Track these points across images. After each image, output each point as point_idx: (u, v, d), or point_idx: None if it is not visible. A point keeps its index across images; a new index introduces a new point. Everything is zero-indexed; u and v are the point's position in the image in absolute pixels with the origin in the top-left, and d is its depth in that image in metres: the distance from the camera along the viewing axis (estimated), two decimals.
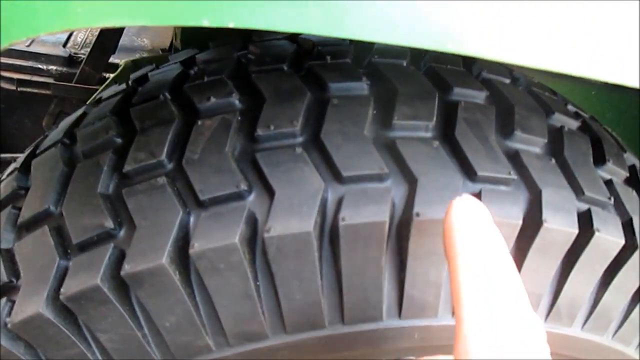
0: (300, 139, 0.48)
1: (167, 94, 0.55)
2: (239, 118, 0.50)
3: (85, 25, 0.33)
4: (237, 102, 0.51)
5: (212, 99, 0.51)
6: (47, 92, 1.14)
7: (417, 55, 0.58)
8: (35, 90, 1.14)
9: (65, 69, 1.18)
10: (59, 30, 0.33)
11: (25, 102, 1.16)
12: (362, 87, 0.52)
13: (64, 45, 1.24)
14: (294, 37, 0.62)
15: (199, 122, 0.50)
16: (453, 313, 0.49)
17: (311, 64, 0.55)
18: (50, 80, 1.15)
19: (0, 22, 0.33)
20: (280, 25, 0.34)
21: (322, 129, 0.48)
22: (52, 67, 1.18)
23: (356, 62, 0.56)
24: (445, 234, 0.36)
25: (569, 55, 0.37)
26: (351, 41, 0.60)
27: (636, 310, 0.56)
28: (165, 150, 0.49)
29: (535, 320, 0.34)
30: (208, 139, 0.49)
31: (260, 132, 0.48)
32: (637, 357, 0.60)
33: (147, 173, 0.49)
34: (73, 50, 1.22)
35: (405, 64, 0.57)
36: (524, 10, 0.36)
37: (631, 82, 0.40)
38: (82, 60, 1.13)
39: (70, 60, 1.19)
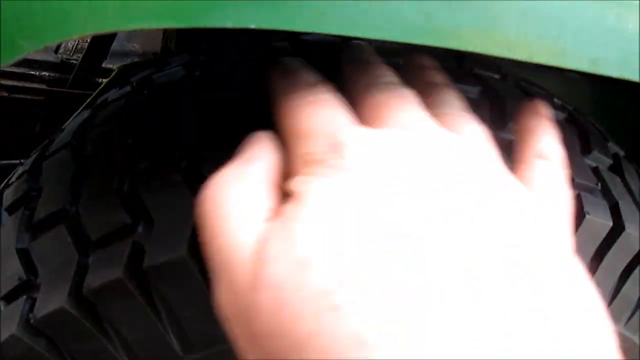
0: None
1: (174, 95, 0.57)
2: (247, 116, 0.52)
3: (115, 28, 0.35)
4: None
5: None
6: (40, 98, 1.14)
7: (412, 52, 0.61)
8: (28, 97, 1.15)
9: (57, 74, 1.18)
10: (91, 33, 0.35)
11: (18, 109, 1.16)
12: None
13: (56, 51, 1.25)
14: (293, 39, 0.64)
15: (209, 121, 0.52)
16: None
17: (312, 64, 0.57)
18: (43, 87, 1.16)
19: (31, 25, 0.35)
20: (299, 26, 0.37)
21: None
22: (45, 73, 1.18)
23: None
24: None
25: (572, 51, 0.40)
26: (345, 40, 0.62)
27: (624, 288, 0.59)
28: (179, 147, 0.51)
29: None
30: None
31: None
32: (626, 334, 0.63)
33: (162, 170, 0.51)
34: (65, 56, 1.23)
35: (401, 62, 0.59)
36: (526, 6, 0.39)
37: (631, 75, 0.44)
38: (74, 66, 1.15)
39: (63, 66, 1.20)
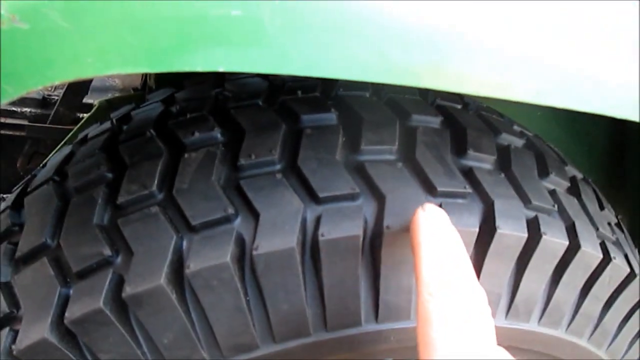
0: (279, 166, 0.54)
1: (152, 131, 0.59)
2: (222, 149, 0.55)
3: (94, 74, 0.38)
4: (219, 135, 0.57)
5: (196, 134, 0.56)
6: (22, 133, 1.16)
7: (378, 87, 0.65)
8: (10, 132, 1.17)
9: (39, 110, 1.20)
10: (71, 79, 0.38)
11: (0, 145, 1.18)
12: (331, 117, 0.58)
13: None
14: (265, 75, 0.68)
15: (186, 155, 0.55)
16: None
17: (284, 99, 0.61)
18: (25, 122, 1.18)
19: (15, 72, 0.38)
20: (263, 68, 0.40)
21: (298, 156, 0.53)
22: (26, 109, 1.20)
23: (324, 95, 0.62)
24: (413, 236, 0.45)
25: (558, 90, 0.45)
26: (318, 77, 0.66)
27: (585, 304, 0.62)
28: (156, 181, 0.53)
29: (480, 291, 0.43)
30: (195, 169, 0.54)
31: (242, 161, 0.53)
32: (590, 348, 0.66)
33: (140, 203, 0.53)
34: (46, 92, 1.25)
35: (368, 95, 0.63)
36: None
37: (574, 105, 0.48)
38: (55, 102, 1.17)
39: (44, 102, 1.22)
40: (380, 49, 0.42)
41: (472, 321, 0.41)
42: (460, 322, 0.40)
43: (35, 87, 0.39)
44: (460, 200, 0.55)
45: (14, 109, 1.19)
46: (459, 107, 0.67)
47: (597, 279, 0.61)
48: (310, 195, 0.52)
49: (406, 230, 0.49)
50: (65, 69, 0.38)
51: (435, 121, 0.62)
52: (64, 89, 1.12)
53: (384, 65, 0.42)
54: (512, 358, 0.41)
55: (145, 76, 1.08)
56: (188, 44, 0.39)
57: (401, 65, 0.43)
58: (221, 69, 0.40)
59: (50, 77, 0.38)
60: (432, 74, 0.44)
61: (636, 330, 0.71)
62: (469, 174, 0.57)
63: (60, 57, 0.38)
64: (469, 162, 0.59)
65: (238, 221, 0.51)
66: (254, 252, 0.49)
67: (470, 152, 0.59)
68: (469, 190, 0.55)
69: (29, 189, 0.63)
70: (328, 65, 0.41)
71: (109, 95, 1.18)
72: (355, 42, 0.41)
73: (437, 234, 0.45)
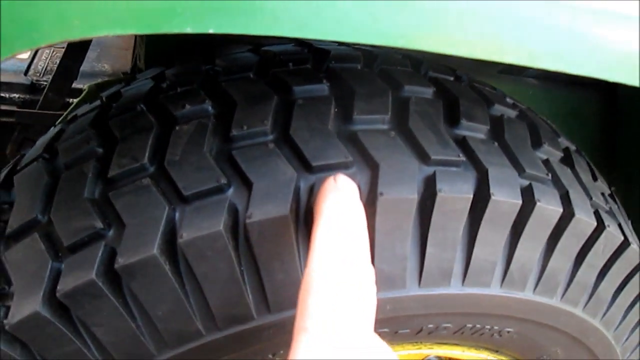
0: (271, 136, 0.53)
1: (142, 105, 0.59)
2: (214, 121, 0.55)
3: (81, 35, 0.37)
4: (210, 107, 0.56)
5: (187, 106, 0.56)
6: (11, 120, 1.15)
7: (370, 60, 0.64)
8: None
9: (28, 96, 1.19)
10: (58, 40, 0.38)
11: None
12: (323, 88, 0.58)
13: (25, 73, 1.25)
14: (257, 50, 0.67)
15: (177, 128, 0.54)
16: (420, 284, 0.55)
17: (275, 71, 0.60)
18: (14, 108, 1.16)
19: (1, 35, 0.37)
20: (254, 29, 0.39)
21: (290, 126, 0.53)
22: (15, 95, 1.19)
23: (316, 67, 0.62)
24: (318, 202, 0.46)
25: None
26: (309, 49, 0.66)
27: (579, 272, 0.62)
28: (147, 154, 0.53)
29: (369, 269, 0.44)
30: (186, 141, 0.53)
31: (234, 132, 0.53)
32: (585, 317, 0.67)
33: (131, 176, 0.52)
34: (35, 78, 1.23)
35: (359, 67, 0.63)
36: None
37: (567, 68, 0.48)
38: (44, 87, 1.15)
39: (33, 88, 1.21)
40: (370, 10, 0.41)
41: (353, 299, 0.40)
42: (340, 297, 0.40)
43: (21, 50, 0.38)
44: (453, 169, 0.55)
45: (1, 95, 1.18)
46: (452, 78, 0.67)
47: (591, 247, 0.62)
48: (303, 164, 0.51)
49: (401, 201, 0.50)
50: (51, 31, 0.37)
51: (427, 92, 0.61)
52: (53, 74, 1.11)
53: (374, 26, 0.42)
54: (382, 344, 0.41)
55: (135, 59, 1.07)
56: (178, 5, 0.38)
57: (391, 26, 0.42)
58: (211, 31, 0.39)
59: (37, 39, 0.37)
60: (423, 36, 0.44)
61: (631, 300, 0.71)
62: (462, 143, 0.57)
63: (45, 18, 0.37)
64: (462, 132, 0.58)
65: (231, 191, 0.50)
66: (247, 221, 0.48)
67: (464, 122, 0.59)
68: (462, 158, 0.55)
69: (18, 168, 0.62)
70: (319, 27, 0.41)
71: (99, 80, 1.17)
72: (345, 2, 0.40)
73: (342, 206, 0.45)
